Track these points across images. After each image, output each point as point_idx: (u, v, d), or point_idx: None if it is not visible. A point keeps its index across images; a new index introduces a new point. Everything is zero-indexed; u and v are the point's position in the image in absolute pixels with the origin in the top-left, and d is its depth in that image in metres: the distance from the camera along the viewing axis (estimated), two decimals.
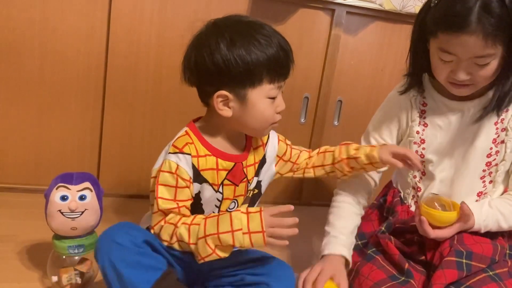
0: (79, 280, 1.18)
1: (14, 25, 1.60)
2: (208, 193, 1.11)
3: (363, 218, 1.34)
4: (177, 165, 1.04)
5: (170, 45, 1.74)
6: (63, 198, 1.14)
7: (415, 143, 1.26)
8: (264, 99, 1.06)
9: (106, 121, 1.77)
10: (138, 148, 1.82)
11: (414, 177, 1.30)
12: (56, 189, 1.15)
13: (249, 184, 1.17)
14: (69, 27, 1.65)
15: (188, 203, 1.08)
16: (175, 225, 1.04)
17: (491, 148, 1.20)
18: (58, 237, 1.18)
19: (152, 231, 1.07)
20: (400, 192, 1.36)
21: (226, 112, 1.06)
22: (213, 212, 1.14)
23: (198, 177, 1.08)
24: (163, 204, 1.04)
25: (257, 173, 1.19)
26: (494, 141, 1.20)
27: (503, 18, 1.01)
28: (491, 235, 1.20)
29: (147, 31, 1.72)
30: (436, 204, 1.16)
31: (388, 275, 1.16)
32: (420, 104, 1.26)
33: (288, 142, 1.28)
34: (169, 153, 1.06)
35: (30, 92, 1.68)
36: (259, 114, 1.07)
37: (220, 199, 1.12)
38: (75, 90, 1.71)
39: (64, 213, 1.14)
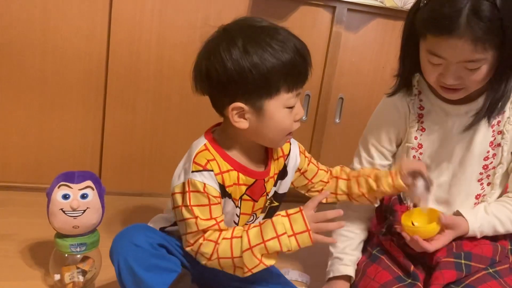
0: (81, 278, 1.18)
1: (15, 24, 1.60)
2: (229, 207, 1.07)
3: None
4: (204, 183, 0.99)
5: (171, 44, 1.74)
6: (65, 196, 1.14)
7: (412, 148, 1.23)
8: (282, 109, 0.99)
9: (108, 120, 1.77)
10: (139, 147, 1.82)
11: None
12: (58, 187, 1.15)
13: (267, 196, 1.13)
14: (70, 26, 1.65)
15: (223, 217, 1.05)
16: (216, 242, 0.99)
17: (488, 152, 1.18)
18: (60, 235, 1.18)
19: (188, 249, 1.02)
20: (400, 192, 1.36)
21: (242, 124, 1.00)
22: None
23: (224, 192, 1.04)
24: (201, 225, 1.00)
25: (275, 184, 1.14)
26: (491, 144, 1.17)
27: (494, 22, 0.96)
28: (492, 236, 1.20)
29: (148, 30, 1.72)
30: (415, 218, 1.17)
31: (394, 276, 1.16)
32: (417, 107, 1.22)
33: (308, 155, 1.22)
34: (193, 171, 1.00)
35: (31, 91, 1.68)
36: (277, 125, 1.01)
37: (238, 214, 1.09)
38: (76, 89, 1.72)
39: (66, 212, 1.14)
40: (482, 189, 1.22)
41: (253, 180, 1.07)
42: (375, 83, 2.00)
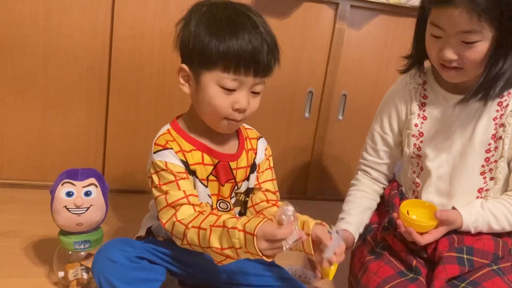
0: (85, 275, 1.19)
1: (17, 21, 1.60)
2: (199, 188, 1.08)
3: None
4: (165, 162, 1.03)
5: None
6: (69, 194, 1.15)
7: (413, 135, 1.27)
8: (214, 86, 1.00)
9: (111, 117, 1.77)
10: (142, 144, 1.82)
11: (414, 172, 1.30)
12: (62, 185, 1.15)
13: (236, 187, 1.13)
14: (72, 23, 1.65)
15: (195, 192, 1.05)
16: (186, 226, 0.98)
17: (489, 144, 1.19)
18: (64, 233, 1.19)
19: (164, 227, 1.03)
20: (401, 186, 1.37)
21: (185, 88, 1.05)
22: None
23: (189, 170, 1.05)
24: (170, 198, 1.01)
25: (248, 178, 1.15)
26: (493, 136, 1.18)
27: (492, 1, 1.02)
28: (495, 233, 1.20)
29: (151, 26, 1.71)
30: (413, 208, 1.19)
31: (396, 271, 1.16)
32: (421, 96, 1.27)
33: (271, 161, 1.20)
34: (154, 153, 1.04)
35: (35, 88, 1.68)
36: (209, 101, 1.01)
37: (209, 194, 1.10)
38: (79, 86, 1.72)
39: (69, 209, 1.14)
40: (485, 183, 1.22)
41: (216, 161, 1.09)
42: (378, 80, 2.00)
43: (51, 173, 1.71)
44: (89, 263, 1.20)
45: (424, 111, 1.26)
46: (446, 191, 1.24)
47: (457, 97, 1.19)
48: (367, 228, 1.33)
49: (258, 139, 1.19)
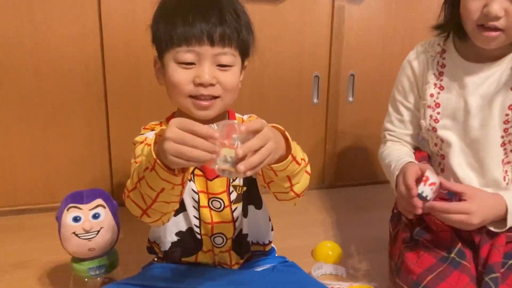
0: None
1: (3, 42, 1.55)
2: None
3: None
4: (145, 137, 0.98)
5: None
6: (76, 219, 1.09)
7: (429, 106, 1.20)
8: (172, 63, 0.95)
9: (112, 127, 1.73)
10: None
11: (435, 145, 1.24)
12: (67, 210, 1.10)
13: (231, 180, 1.05)
14: (60, 37, 1.60)
15: None
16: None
17: (507, 115, 1.12)
18: (76, 260, 1.13)
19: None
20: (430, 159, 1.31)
21: (159, 80, 1.02)
22: (194, 208, 1.04)
23: None
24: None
25: None
26: (510, 107, 1.11)
27: None
28: None
29: (142, 29, 1.62)
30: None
31: (438, 258, 1.09)
32: (439, 65, 1.20)
33: None
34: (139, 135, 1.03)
35: (32, 110, 1.64)
36: (170, 80, 0.96)
37: (196, 190, 1.02)
38: (76, 100, 1.67)
39: (79, 235, 1.08)
40: (505, 155, 1.16)
41: None
42: (385, 55, 1.93)
43: (58, 194, 1.66)
44: None
45: (441, 80, 1.19)
46: (475, 165, 1.18)
47: (477, 66, 1.13)
48: None
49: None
